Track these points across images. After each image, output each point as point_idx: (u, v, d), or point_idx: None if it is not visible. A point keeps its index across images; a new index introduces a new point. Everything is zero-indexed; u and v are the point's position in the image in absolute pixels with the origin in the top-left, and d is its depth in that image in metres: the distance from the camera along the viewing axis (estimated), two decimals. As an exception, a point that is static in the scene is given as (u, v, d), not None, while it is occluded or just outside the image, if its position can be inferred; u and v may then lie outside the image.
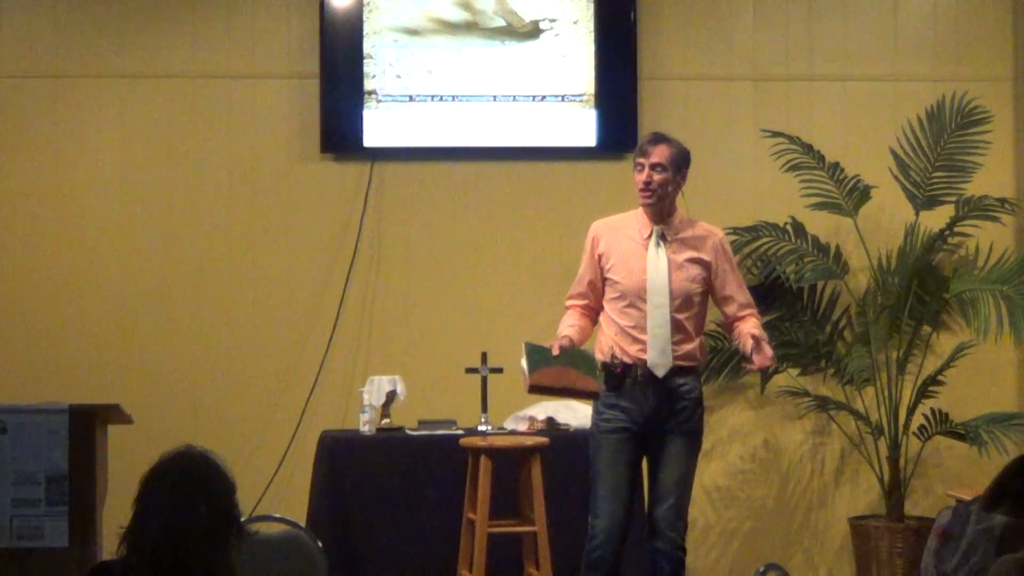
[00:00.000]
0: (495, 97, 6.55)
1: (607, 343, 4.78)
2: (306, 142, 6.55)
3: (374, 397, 5.87)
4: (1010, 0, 6.83)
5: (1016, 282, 6.18)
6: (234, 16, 6.61)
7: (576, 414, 5.84)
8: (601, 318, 4.87)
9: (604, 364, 4.73)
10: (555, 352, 4.67)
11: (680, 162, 4.80)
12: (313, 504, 5.76)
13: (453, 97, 6.54)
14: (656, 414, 4.70)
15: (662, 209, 4.77)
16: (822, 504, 6.72)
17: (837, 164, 6.43)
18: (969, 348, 6.32)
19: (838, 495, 6.72)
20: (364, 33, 6.49)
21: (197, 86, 6.59)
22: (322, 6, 6.48)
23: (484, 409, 5.81)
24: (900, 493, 6.33)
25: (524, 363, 4.78)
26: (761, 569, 4.18)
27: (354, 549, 5.70)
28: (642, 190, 4.75)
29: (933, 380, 6.30)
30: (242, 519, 2.87)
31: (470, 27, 6.56)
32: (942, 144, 6.41)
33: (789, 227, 6.54)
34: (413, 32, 6.54)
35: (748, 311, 4.84)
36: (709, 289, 4.82)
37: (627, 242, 4.79)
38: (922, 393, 6.31)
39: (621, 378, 4.70)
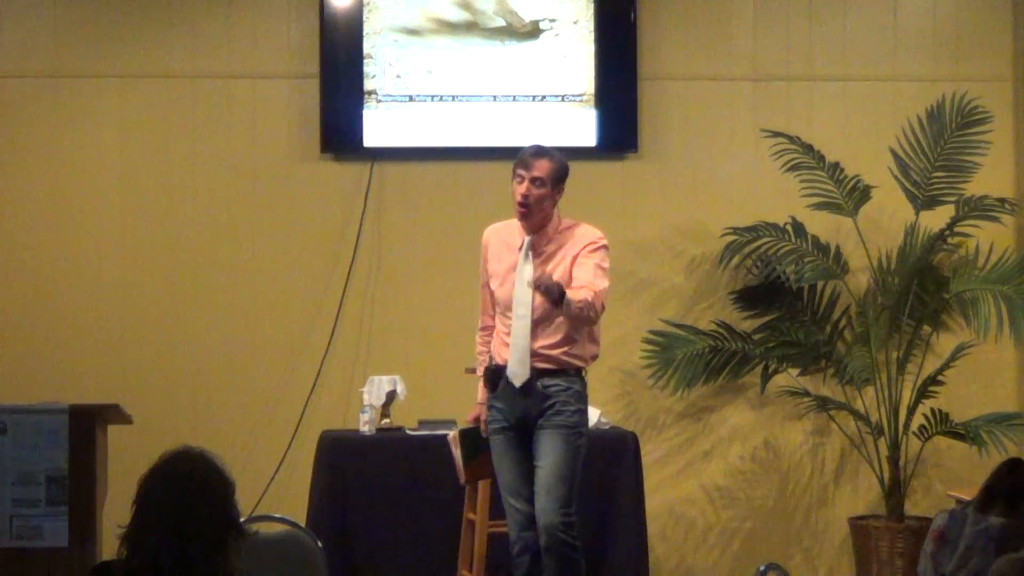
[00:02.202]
0: (495, 97, 6.55)
1: (493, 343, 4.85)
2: (306, 142, 6.56)
3: (374, 397, 5.87)
4: (1010, 0, 6.84)
5: (1016, 282, 6.18)
6: (234, 16, 6.61)
7: (576, 414, 5.84)
8: None
9: (485, 366, 4.85)
10: (484, 433, 4.90)
11: (558, 177, 4.75)
12: (313, 504, 5.77)
13: (453, 97, 6.54)
14: (528, 413, 4.71)
15: (536, 221, 4.74)
16: (822, 504, 6.72)
17: (837, 164, 6.42)
18: (969, 348, 6.32)
19: (838, 495, 6.72)
20: (364, 33, 6.49)
21: (197, 86, 6.59)
22: (322, 6, 6.49)
23: (484, 409, 5.81)
24: (900, 493, 6.33)
25: (458, 454, 5.06)
26: (761, 569, 4.18)
27: (354, 549, 5.70)
28: (519, 203, 4.72)
29: (933, 380, 6.30)
30: (242, 519, 2.87)
31: (470, 27, 6.57)
32: (942, 144, 6.40)
33: (789, 227, 6.54)
34: (413, 32, 6.54)
35: (585, 286, 4.63)
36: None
37: (505, 252, 4.80)
38: (922, 393, 6.31)
39: (495, 379, 4.76)
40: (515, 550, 4.76)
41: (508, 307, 4.74)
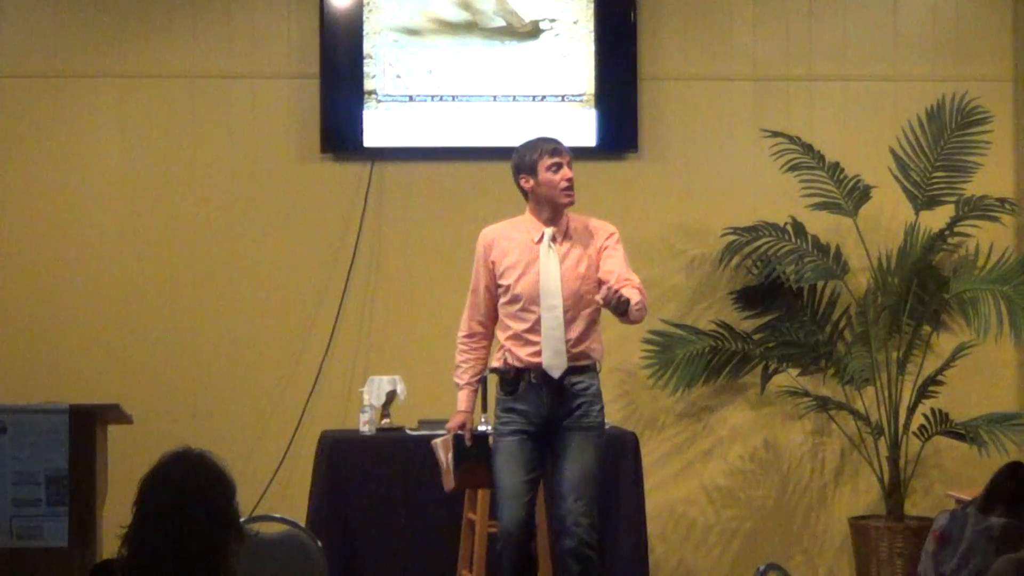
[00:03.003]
0: (495, 97, 6.55)
1: (500, 347, 4.80)
2: (306, 142, 6.55)
3: (374, 397, 5.87)
4: (1010, 0, 6.84)
5: (1016, 282, 6.18)
6: (234, 16, 6.61)
7: (576, 414, 5.84)
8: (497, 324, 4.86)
9: (497, 370, 4.80)
10: (468, 442, 4.88)
11: None
12: (313, 504, 5.76)
13: (453, 97, 6.54)
14: (553, 414, 4.69)
15: (563, 209, 4.78)
16: (822, 504, 6.72)
17: (837, 164, 6.42)
18: (969, 348, 6.32)
19: (838, 495, 6.72)
20: (364, 33, 6.49)
21: (197, 86, 6.59)
22: (322, 6, 6.49)
23: (484, 409, 5.79)
24: (900, 493, 6.33)
25: (448, 460, 4.95)
26: (761, 569, 4.17)
27: (354, 549, 5.70)
28: (567, 189, 4.75)
29: (933, 380, 6.30)
30: (242, 519, 2.87)
31: (470, 27, 6.57)
32: (942, 144, 6.41)
33: (789, 227, 6.54)
34: (413, 32, 6.54)
35: (626, 282, 4.66)
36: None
37: (517, 248, 4.78)
38: (922, 393, 6.31)
39: (515, 382, 4.73)
40: (504, 554, 4.73)
41: (532, 301, 4.70)
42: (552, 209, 4.77)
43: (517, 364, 4.72)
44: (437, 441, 5.03)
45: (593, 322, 4.75)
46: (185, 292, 6.54)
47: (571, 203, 4.78)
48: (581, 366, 4.71)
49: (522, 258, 4.76)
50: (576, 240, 4.77)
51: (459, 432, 4.94)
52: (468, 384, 4.92)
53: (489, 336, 4.88)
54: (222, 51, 6.60)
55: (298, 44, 6.59)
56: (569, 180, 4.75)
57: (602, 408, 4.76)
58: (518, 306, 4.74)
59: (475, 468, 4.94)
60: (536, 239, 4.76)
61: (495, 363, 4.82)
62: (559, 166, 4.75)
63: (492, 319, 4.85)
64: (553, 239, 4.75)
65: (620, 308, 4.47)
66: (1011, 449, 6.06)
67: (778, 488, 6.71)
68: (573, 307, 4.70)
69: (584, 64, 6.57)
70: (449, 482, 5.03)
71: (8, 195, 6.51)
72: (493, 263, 4.81)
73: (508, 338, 4.76)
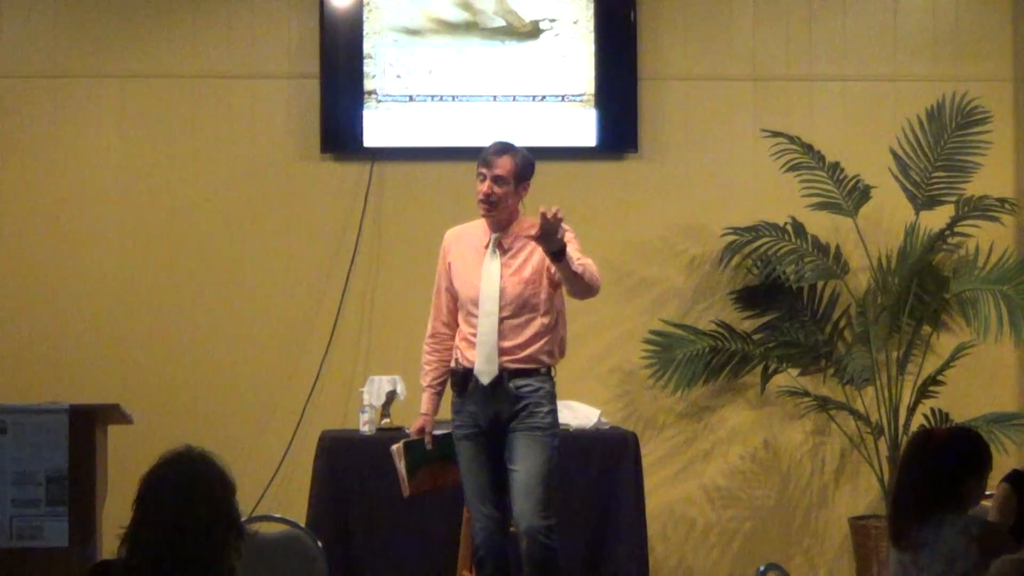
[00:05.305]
0: (495, 97, 6.55)
1: (454, 348, 4.82)
2: (306, 142, 6.56)
3: (374, 397, 5.87)
4: (1010, 0, 6.84)
5: (1016, 282, 6.18)
6: (234, 16, 6.61)
7: (576, 414, 5.85)
8: None
9: (451, 370, 4.81)
10: (429, 446, 4.88)
11: (523, 173, 4.74)
12: (313, 504, 5.77)
13: (453, 97, 6.54)
14: (498, 416, 4.69)
15: (500, 219, 4.74)
16: (822, 504, 6.72)
17: (837, 164, 6.42)
18: (969, 348, 6.32)
19: (838, 495, 6.72)
20: (364, 33, 6.49)
21: (197, 86, 6.59)
22: (322, 6, 6.49)
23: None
24: (900, 493, 6.32)
25: (401, 467, 4.93)
26: (761, 569, 4.17)
27: (354, 549, 5.71)
28: (481, 202, 4.72)
29: (933, 380, 6.31)
30: (242, 519, 2.87)
31: (470, 27, 6.57)
32: (942, 144, 6.41)
33: (789, 227, 6.54)
34: (413, 32, 6.54)
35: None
36: (551, 278, 4.71)
37: (469, 252, 4.79)
38: (922, 393, 6.31)
39: (464, 382, 4.74)
40: (479, 554, 4.76)
41: (474, 306, 4.72)
42: (488, 219, 4.76)
43: (466, 364, 4.74)
44: (394, 448, 4.98)
45: (547, 329, 4.72)
46: (185, 292, 6.54)
47: (486, 214, 4.73)
48: (528, 369, 4.69)
49: (469, 264, 4.77)
50: (523, 245, 4.72)
51: (409, 439, 4.93)
52: (430, 386, 4.91)
53: (453, 337, 4.87)
54: (222, 51, 6.60)
55: (298, 44, 6.59)
56: (485, 194, 4.70)
57: (552, 410, 4.71)
58: (464, 311, 4.77)
59: (435, 471, 4.93)
60: (485, 244, 4.76)
61: (451, 363, 4.83)
62: (483, 177, 4.72)
63: (455, 320, 4.85)
64: (499, 245, 4.74)
65: (547, 243, 4.38)
66: (1011, 449, 6.07)
67: (778, 488, 6.71)
68: (516, 313, 4.69)
69: (584, 64, 6.57)
70: (405, 489, 4.99)
71: (8, 195, 6.52)
72: (450, 265, 4.84)
73: (460, 339, 4.79)
